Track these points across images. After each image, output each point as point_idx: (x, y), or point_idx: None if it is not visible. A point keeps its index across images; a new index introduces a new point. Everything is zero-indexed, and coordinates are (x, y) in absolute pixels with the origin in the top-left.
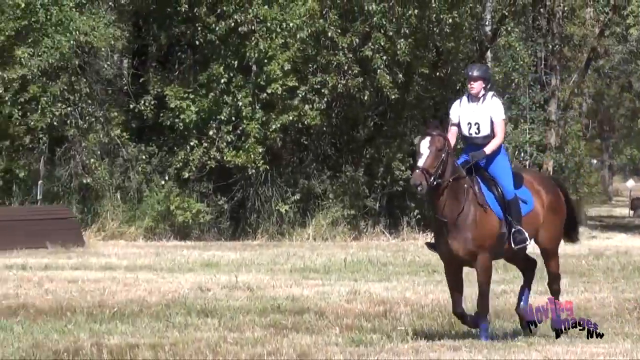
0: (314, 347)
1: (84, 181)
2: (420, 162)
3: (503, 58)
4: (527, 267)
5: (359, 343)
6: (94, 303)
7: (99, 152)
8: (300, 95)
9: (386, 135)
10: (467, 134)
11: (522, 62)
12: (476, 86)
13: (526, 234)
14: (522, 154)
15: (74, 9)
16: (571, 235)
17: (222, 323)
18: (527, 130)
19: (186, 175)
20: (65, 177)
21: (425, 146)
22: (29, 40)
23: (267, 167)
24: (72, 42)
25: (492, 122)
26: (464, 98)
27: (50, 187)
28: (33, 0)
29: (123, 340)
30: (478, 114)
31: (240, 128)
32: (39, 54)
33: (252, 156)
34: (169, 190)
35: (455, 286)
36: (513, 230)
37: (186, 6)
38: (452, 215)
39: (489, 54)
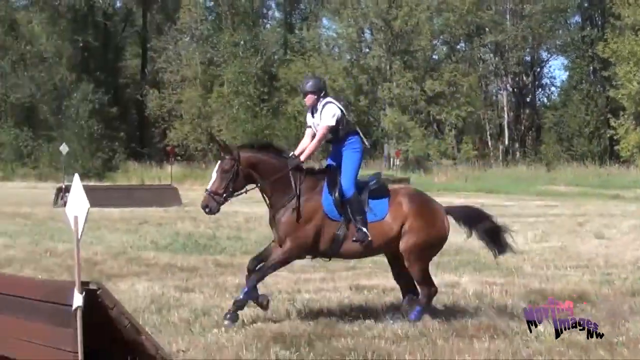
0: None
1: None
2: (208, 186)
3: None
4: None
5: None
6: None
7: None
8: None
9: None
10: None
11: None
12: (307, 100)
13: (366, 233)
14: None
15: None
16: (496, 245)
17: None
18: None
19: None
20: None
21: (214, 170)
22: None
23: None
24: None
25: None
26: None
27: None
28: None
29: None
30: (317, 124)
31: None
32: None
33: None
34: None
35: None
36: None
37: None
38: (277, 207)
39: None
